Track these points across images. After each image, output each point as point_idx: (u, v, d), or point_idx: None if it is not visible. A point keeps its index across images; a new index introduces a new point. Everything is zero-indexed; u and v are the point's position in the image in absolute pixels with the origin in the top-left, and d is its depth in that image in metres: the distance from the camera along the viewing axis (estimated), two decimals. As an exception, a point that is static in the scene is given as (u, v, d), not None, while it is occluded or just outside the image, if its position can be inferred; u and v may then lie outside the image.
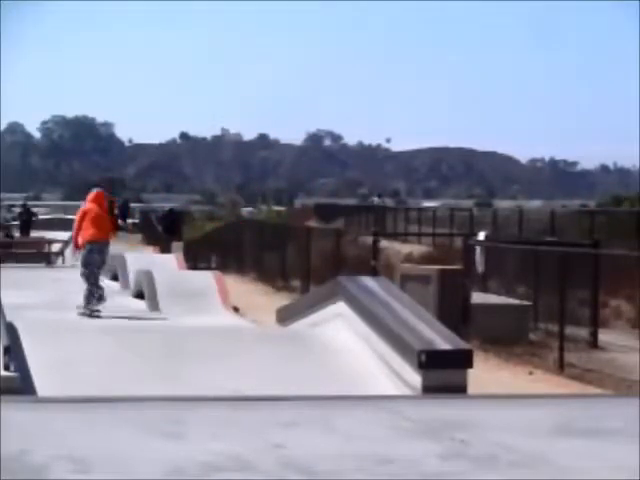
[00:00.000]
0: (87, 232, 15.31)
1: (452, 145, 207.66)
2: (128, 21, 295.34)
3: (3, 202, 70.74)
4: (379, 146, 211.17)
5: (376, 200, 61.55)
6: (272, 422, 5.00)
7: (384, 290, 9.71)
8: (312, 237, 23.94)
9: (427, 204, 66.67)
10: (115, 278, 20.49)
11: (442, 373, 7.77)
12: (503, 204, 72.49)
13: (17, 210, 50.45)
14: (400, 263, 20.75)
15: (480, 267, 17.93)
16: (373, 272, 17.47)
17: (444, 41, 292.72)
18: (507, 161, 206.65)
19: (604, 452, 4.38)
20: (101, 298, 15.20)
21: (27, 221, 41.44)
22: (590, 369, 13.04)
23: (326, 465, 4.03)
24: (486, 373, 11.69)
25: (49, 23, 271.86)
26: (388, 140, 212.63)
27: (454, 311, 14.57)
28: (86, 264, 15.27)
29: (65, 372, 8.26)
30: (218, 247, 32.03)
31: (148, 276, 16.94)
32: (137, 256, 22.27)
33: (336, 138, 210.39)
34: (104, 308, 15.08)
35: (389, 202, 66.13)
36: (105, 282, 16.92)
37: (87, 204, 15.67)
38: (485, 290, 17.68)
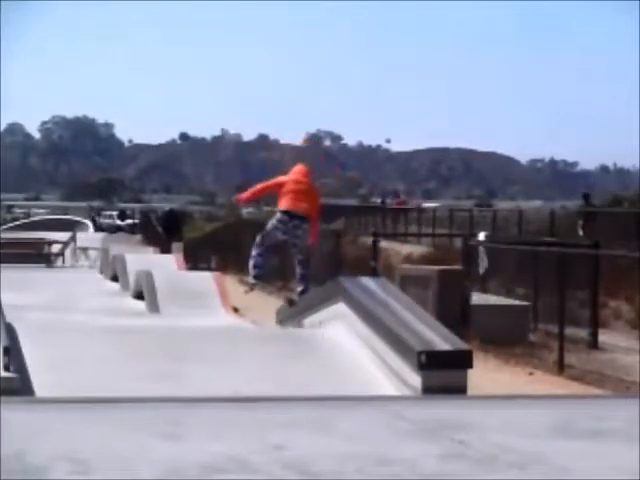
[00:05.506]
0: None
1: (452, 145, 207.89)
2: (128, 21, 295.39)
3: (3, 202, 70.75)
4: (379, 147, 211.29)
5: (388, 201, 61.80)
6: (272, 423, 5.00)
7: (384, 291, 9.71)
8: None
9: (427, 204, 66.69)
10: (115, 279, 20.50)
11: (442, 374, 7.76)
12: (503, 205, 72.48)
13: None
14: (400, 264, 20.76)
15: (482, 268, 17.89)
16: (373, 273, 17.45)
17: (444, 41, 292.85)
18: (507, 162, 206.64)
19: (604, 453, 4.37)
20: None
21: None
22: (590, 370, 13.03)
23: (326, 466, 4.03)
24: (486, 374, 11.68)
25: (49, 23, 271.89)
26: (388, 141, 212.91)
27: (454, 312, 14.56)
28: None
29: (64, 373, 8.26)
30: (218, 248, 32.02)
31: (148, 277, 16.91)
32: (137, 256, 22.26)
33: (336, 138, 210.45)
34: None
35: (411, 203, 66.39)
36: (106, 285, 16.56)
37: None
38: (485, 290, 17.67)
